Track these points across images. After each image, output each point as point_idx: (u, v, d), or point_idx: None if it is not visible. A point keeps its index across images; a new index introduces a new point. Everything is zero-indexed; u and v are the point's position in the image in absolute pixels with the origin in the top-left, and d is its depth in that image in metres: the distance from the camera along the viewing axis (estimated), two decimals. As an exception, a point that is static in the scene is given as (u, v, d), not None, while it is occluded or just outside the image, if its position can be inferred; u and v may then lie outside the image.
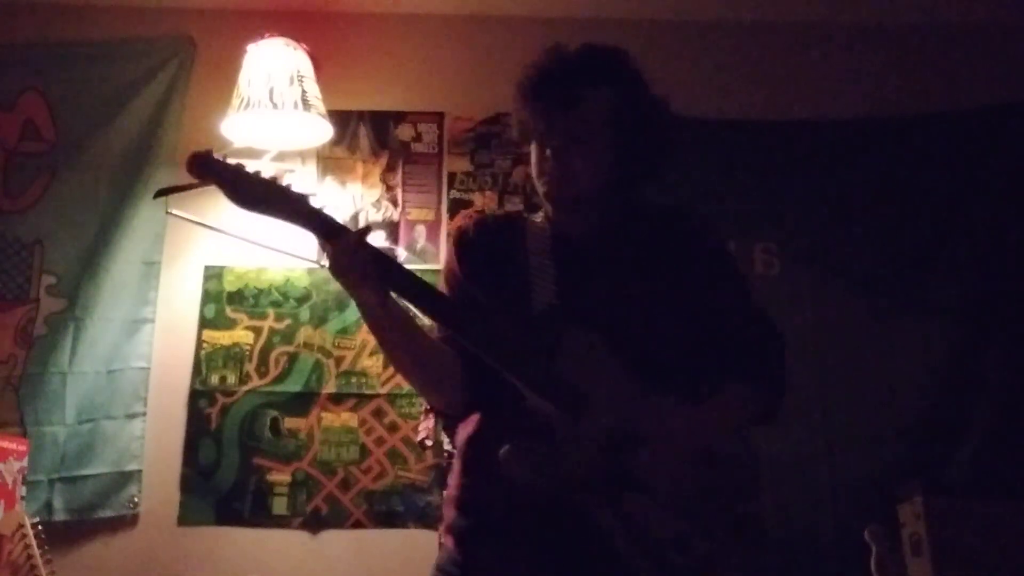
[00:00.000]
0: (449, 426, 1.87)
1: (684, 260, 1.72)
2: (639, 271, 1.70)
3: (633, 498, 1.56)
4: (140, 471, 2.86)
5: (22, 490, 2.54)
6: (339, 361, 2.98)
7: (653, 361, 1.64)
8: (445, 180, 3.18)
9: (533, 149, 1.73)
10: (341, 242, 1.55)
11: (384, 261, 1.59)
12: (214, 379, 2.95)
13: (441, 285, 1.78)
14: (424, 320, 1.71)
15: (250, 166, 1.56)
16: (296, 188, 1.57)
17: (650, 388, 1.63)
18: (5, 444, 2.53)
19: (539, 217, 1.80)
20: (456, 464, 1.74)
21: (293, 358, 2.98)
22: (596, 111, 1.67)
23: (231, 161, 1.55)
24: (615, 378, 1.63)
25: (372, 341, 2.96)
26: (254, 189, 1.54)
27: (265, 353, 2.98)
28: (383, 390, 2.96)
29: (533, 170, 1.74)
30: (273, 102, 2.80)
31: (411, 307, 1.64)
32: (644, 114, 1.69)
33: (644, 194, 1.77)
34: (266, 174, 1.56)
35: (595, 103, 1.67)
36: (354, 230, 1.57)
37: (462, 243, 1.79)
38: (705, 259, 1.74)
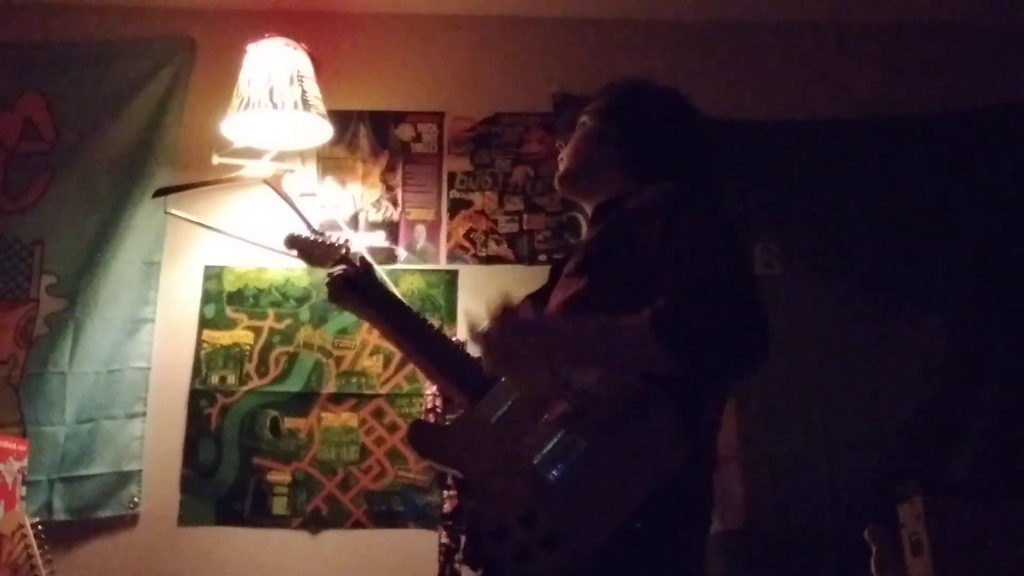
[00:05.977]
0: None
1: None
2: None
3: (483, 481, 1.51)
4: (140, 471, 2.86)
5: (22, 490, 2.54)
6: (339, 361, 2.98)
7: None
8: (445, 180, 3.17)
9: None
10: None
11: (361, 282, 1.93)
12: (214, 379, 2.95)
13: None
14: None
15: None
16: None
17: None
18: (5, 444, 2.53)
19: None
20: None
21: (293, 358, 2.98)
22: None
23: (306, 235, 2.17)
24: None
25: (372, 341, 2.97)
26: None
27: (265, 353, 2.98)
28: (383, 390, 2.95)
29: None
30: (273, 102, 2.80)
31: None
32: None
33: None
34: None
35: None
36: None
37: None
38: None
